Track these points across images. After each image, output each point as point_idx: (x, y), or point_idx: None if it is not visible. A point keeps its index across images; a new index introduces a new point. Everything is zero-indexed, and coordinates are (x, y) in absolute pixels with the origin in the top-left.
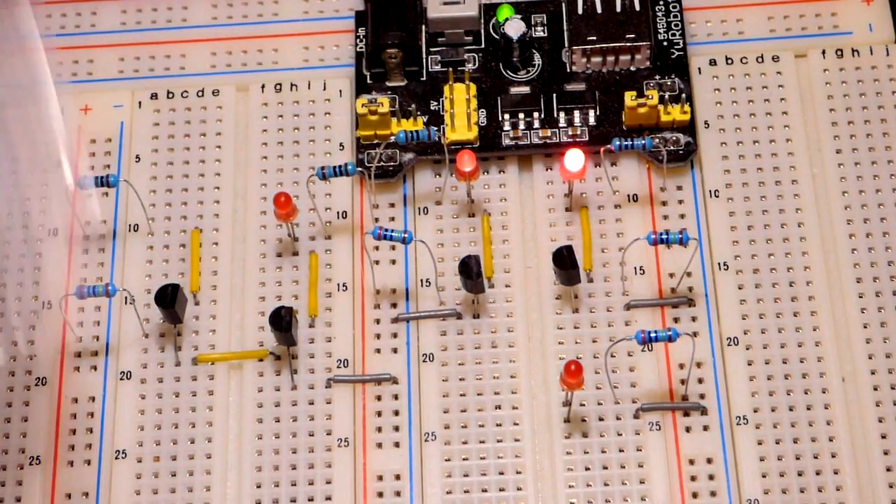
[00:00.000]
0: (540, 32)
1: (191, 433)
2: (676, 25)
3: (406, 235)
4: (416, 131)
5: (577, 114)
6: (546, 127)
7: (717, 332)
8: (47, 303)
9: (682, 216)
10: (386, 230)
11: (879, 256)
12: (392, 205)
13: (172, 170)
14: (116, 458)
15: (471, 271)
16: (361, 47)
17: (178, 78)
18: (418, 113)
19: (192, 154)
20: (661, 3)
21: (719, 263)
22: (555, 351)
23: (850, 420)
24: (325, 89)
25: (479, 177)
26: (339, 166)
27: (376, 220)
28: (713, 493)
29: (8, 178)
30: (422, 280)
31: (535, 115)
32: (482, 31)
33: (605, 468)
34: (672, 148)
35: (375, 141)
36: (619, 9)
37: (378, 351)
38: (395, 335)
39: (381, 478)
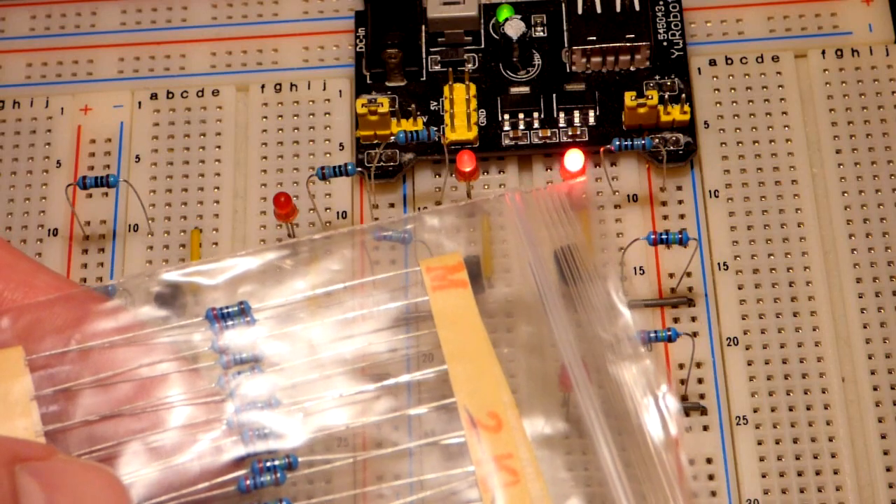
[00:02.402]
0: (540, 32)
1: None
2: (676, 25)
3: (406, 235)
4: (416, 131)
5: (576, 114)
6: (546, 127)
7: (716, 332)
8: None
9: (682, 216)
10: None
11: (879, 256)
12: (392, 205)
13: (172, 170)
14: None
15: (470, 272)
16: (361, 47)
17: (178, 78)
18: (418, 113)
19: (192, 154)
20: (661, 3)
21: (719, 263)
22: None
23: (850, 420)
24: (325, 89)
25: (478, 177)
26: (339, 166)
27: (376, 220)
28: (713, 493)
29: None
30: None
31: (535, 115)
32: (482, 31)
33: None
34: (672, 148)
35: (375, 141)
36: (619, 9)
37: None
38: None
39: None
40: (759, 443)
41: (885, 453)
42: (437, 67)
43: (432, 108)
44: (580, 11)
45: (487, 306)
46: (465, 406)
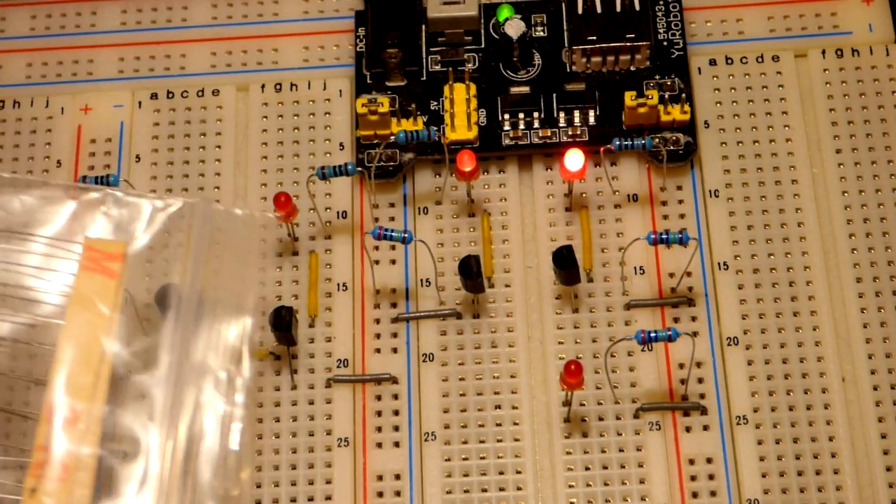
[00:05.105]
0: (540, 32)
1: None
2: (676, 25)
3: (406, 235)
4: (416, 131)
5: (577, 114)
6: (546, 127)
7: (717, 332)
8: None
9: (682, 216)
10: (386, 230)
11: (879, 256)
12: (392, 205)
13: (172, 170)
14: None
15: (471, 271)
16: (361, 47)
17: (178, 78)
18: (418, 113)
19: (192, 154)
20: (661, 2)
21: (719, 263)
22: (555, 351)
23: (850, 420)
24: (325, 89)
25: (479, 177)
26: (339, 166)
27: (376, 219)
28: (713, 493)
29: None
30: (422, 280)
31: (535, 114)
32: (482, 31)
33: (605, 468)
34: (672, 148)
35: (375, 141)
36: (619, 9)
37: (378, 351)
38: (395, 335)
39: (380, 478)
40: (759, 443)
41: (885, 453)
42: (437, 67)
43: (432, 107)
44: (580, 11)
45: (488, 306)
46: (53, 388)
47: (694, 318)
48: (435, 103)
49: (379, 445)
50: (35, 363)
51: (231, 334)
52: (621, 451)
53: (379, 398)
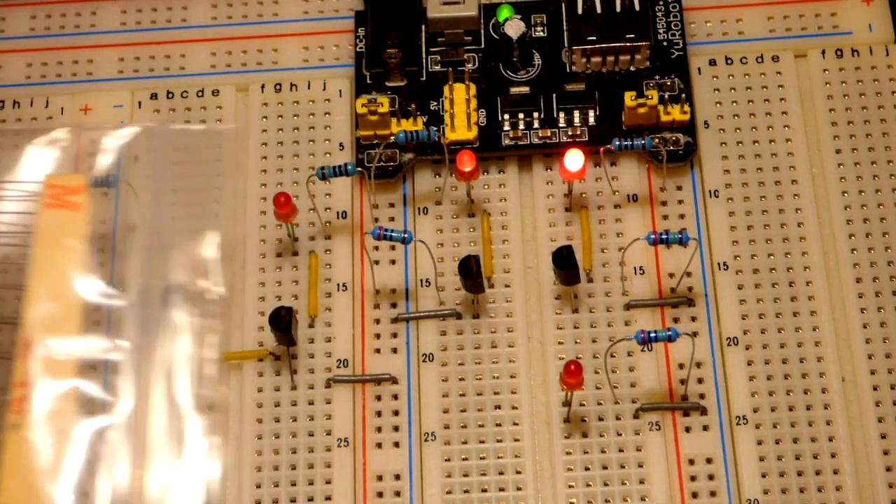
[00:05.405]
0: (540, 32)
1: None
2: (676, 25)
3: (406, 235)
4: (416, 131)
5: (576, 114)
6: (546, 127)
7: (716, 332)
8: None
9: (682, 216)
10: (386, 230)
11: (879, 256)
12: (392, 205)
13: None
14: None
15: (470, 271)
16: (361, 47)
17: (178, 78)
18: (418, 113)
19: None
20: (661, 3)
21: (719, 263)
22: (555, 351)
23: (850, 420)
24: (325, 89)
25: (478, 177)
26: (339, 166)
27: (376, 220)
28: (713, 493)
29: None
30: (421, 280)
31: (535, 115)
32: (482, 31)
33: (605, 468)
34: (672, 148)
35: (375, 141)
36: (618, 9)
37: (378, 351)
38: (394, 335)
39: (380, 478)
40: (759, 443)
41: (885, 453)
42: (437, 67)
43: (432, 108)
44: (580, 11)
45: (487, 306)
46: (27, 325)
47: (694, 319)
48: (435, 103)
49: (379, 445)
50: (4, 305)
51: (201, 249)
52: (621, 451)
53: (379, 398)
